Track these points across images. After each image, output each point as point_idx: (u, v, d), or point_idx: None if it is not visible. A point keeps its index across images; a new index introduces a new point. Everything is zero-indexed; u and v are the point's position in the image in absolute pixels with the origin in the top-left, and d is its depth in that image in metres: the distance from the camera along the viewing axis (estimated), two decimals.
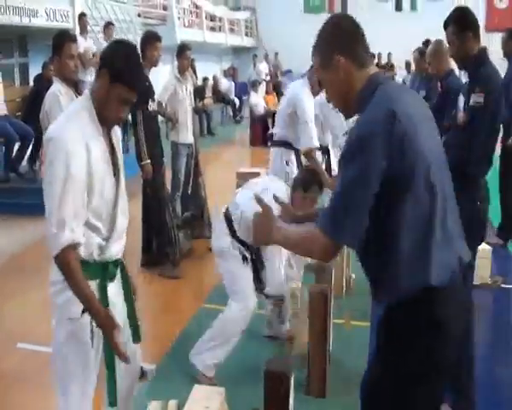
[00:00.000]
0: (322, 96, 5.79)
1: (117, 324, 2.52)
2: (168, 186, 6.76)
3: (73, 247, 2.45)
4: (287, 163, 5.87)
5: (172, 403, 3.65)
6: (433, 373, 2.16)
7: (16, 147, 9.09)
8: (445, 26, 3.80)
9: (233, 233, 4.11)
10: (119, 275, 2.77)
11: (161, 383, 3.98)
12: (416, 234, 2.09)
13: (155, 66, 6.37)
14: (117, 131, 2.75)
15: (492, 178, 4.49)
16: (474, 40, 3.73)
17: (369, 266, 2.25)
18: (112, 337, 2.50)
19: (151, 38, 6.33)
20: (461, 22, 3.72)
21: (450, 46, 3.83)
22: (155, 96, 6.52)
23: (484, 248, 6.03)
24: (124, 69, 2.52)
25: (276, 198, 2.69)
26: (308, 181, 4.13)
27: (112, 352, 2.60)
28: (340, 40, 2.21)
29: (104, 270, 2.64)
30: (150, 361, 4.30)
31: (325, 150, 6.73)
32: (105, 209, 2.58)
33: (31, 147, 9.20)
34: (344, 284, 5.49)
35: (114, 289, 2.72)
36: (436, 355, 2.13)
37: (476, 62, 3.73)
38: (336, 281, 4.77)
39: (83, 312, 2.55)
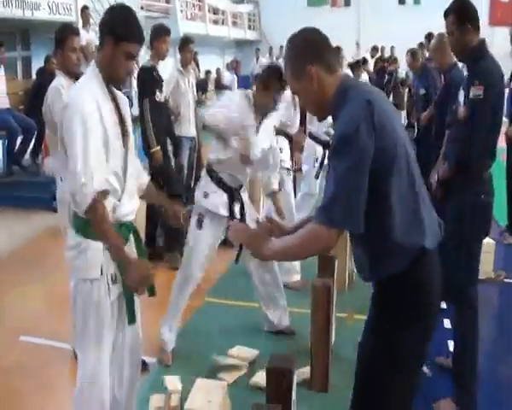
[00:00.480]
0: None
1: (149, 275, 2.68)
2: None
3: (103, 195, 2.60)
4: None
5: (175, 396, 3.66)
6: (423, 331, 2.40)
7: (19, 140, 9.07)
8: (445, 15, 3.80)
9: (216, 181, 4.25)
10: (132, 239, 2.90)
11: (164, 376, 3.97)
12: (407, 204, 2.27)
13: (163, 59, 6.54)
14: (123, 99, 2.89)
15: (498, 176, 4.48)
16: (474, 32, 3.72)
17: (366, 248, 2.37)
18: (136, 284, 2.66)
19: (160, 31, 6.54)
20: (461, 13, 3.72)
21: (449, 37, 3.84)
22: (163, 88, 6.52)
23: (488, 242, 6.01)
24: (125, 28, 2.70)
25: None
26: (268, 78, 4.25)
27: (131, 298, 2.83)
28: (310, 51, 2.35)
29: (118, 230, 2.74)
30: (153, 354, 4.31)
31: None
32: (116, 168, 2.72)
33: (33, 140, 9.18)
34: (347, 278, 5.48)
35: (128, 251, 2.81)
36: (427, 316, 2.39)
37: (475, 55, 3.73)
38: (339, 275, 4.76)
39: (101, 273, 2.72)
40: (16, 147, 9.12)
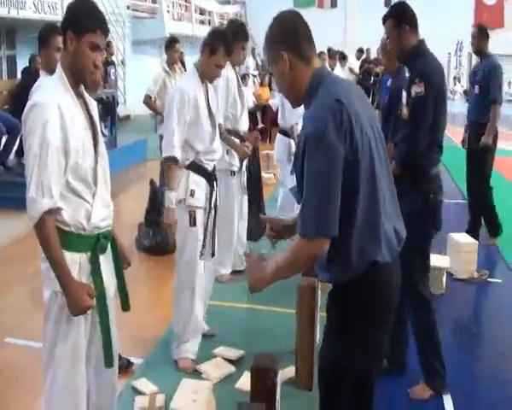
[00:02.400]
0: None
1: (88, 304, 2.57)
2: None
3: (52, 213, 2.50)
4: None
5: (160, 397, 3.67)
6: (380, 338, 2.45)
7: (3, 140, 9.03)
8: (384, 21, 3.90)
9: (198, 170, 4.15)
10: (109, 249, 2.81)
11: (149, 376, 3.98)
12: (368, 216, 2.27)
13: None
14: (93, 103, 2.80)
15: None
16: (412, 33, 3.81)
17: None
18: (76, 312, 2.56)
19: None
20: (398, 16, 3.80)
21: (388, 41, 3.93)
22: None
23: (470, 242, 6.09)
24: (85, 18, 2.58)
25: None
26: (214, 42, 4.11)
27: (105, 314, 2.70)
28: (285, 38, 2.39)
29: (95, 242, 2.68)
30: (139, 355, 4.31)
31: None
32: (87, 173, 2.63)
33: (18, 140, 9.14)
34: None
35: (104, 262, 2.76)
36: (381, 322, 2.43)
37: (415, 55, 3.81)
38: None
39: None
40: (1, 147, 9.07)
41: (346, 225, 2.22)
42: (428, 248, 3.93)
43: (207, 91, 4.21)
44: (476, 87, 6.70)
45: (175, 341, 4.23)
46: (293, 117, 6.97)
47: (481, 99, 6.57)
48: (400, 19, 3.79)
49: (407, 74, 3.96)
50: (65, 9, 2.74)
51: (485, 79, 6.57)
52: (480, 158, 6.66)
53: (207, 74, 4.16)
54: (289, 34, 2.40)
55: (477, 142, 6.62)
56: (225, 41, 4.13)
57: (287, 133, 6.65)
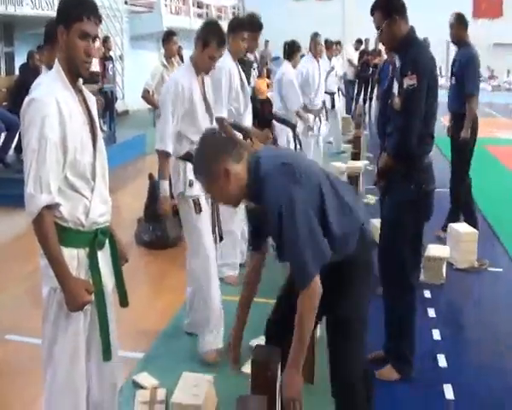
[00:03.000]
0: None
1: (86, 299, 2.57)
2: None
3: (50, 208, 2.49)
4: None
5: (161, 391, 3.67)
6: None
7: (2, 137, 9.02)
8: (372, 13, 3.86)
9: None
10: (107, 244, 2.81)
11: (150, 370, 3.98)
12: (338, 207, 2.70)
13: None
14: (92, 98, 2.79)
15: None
16: (402, 22, 3.78)
17: None
18: (74, 308, 2.56)
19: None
20: (387, 7, 3.76)
21: (379, 32, 3.86)
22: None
23: (470, 231, 6.08)
24: (71, 8, 2.56)
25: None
26: (208, 34, 4.08)
27: (103, 310, 2.70)
28: (223, 149, 2.64)
29: (93, 238, 2.68)
30: (139, 349, 4.32)
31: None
32: (85, 169, 2.62)
33: (17, 137, 9.14)
34: None
35: (102, 258, 2.75)
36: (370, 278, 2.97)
37: (406, 44, 3.78)
38: None
39: None
40: (0, 144, 9.07)
41: (329, 226, 2.65)
42: (420, 237, 3.95)
43: (203, 83, 4.21)
44: (453, 78, 6.58)
45: (200, 335, 4.22)
46: (295, 104, 7.08)
47: (458, 90, 6.44)
48: (389, 9, 3.74)
49: (397, 64, 3.92)
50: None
51: (460, 70, 6.45)
52: (460, 149, 6.57)
53: (201, 66, 4.15)
54: (219, 146, 2.64)
55: (457, 132, 6.49)
56: (218, 33, 4.11)
57: (285, 121, 6.74)
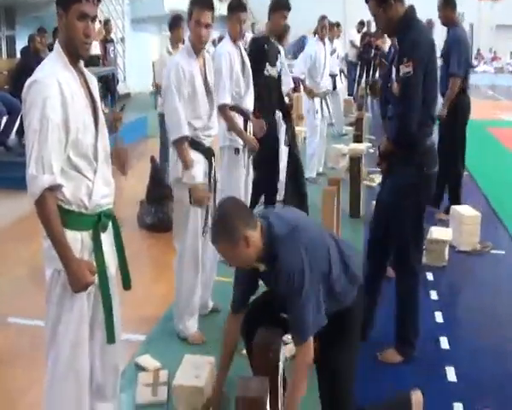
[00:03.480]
0: None
1: (90, 280, 2.59)
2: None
3: (53, 189, 2.49)
4: None
5: (163, 373, 3.68)
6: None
7: (4, 120, 9.00)
8: (366, 0, 3.80)
9: (196, 146, 4.10)
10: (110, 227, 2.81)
11: (152, 353, 3.99)
12: (341, 274, 2.92)
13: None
14: (93, 80, 2.79)
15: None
16: (398, 4, 3.71)
17: None
18: (77, 288, 2.57)
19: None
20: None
21: (375, 19, 3.84)
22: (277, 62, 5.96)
23: (472, 214, 6.07)
24: None
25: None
26: (199, 9, 3.98)
27: (107, 292, 2.73)
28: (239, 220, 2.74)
29: (97, 221, 2.69)
30: (141, 331, 4.33)
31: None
32: (87, 150, 2.62)
33: (19, 120, 9.12)
34: None
35: (106, 240, 2.76)
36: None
37: (403, 26, 3.73)
38: None
39: None
40: (1, 127, 9.05)
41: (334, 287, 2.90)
42: (422, 220, 3.94)
43: (204, 65, 4.14)
44: (441, 59, 6.49)
45: (179, 319, 4.23)
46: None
47: (444, 71, 6.41)
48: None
49: (396, 47, 3.89)
50: None
51: (447, 52, 6.45)
52: (448, 130, 6.54)
53: (195, 41, 4.04)
54: (244, 213, 2.79)
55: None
56: (209, 8, 4.01)
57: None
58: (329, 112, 9.52)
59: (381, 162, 4.07)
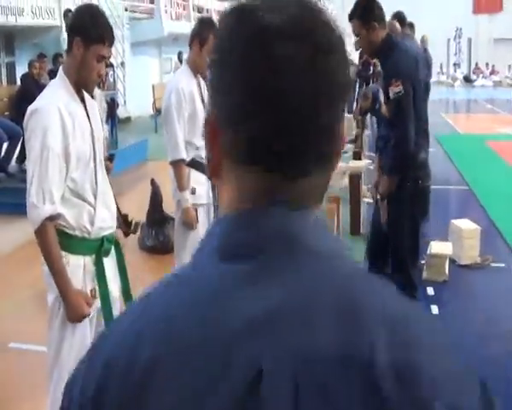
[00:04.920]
0: None
1: (87, 311, 2.60)
2: None
3: (53, 218, 2.52)
4: None
5: None
6: None
7: (5, 147, 9.06)
8: (350, 19, 3.89)
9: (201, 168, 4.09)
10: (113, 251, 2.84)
11: None
12: None
13: None
14: (94, 106, 2.82)
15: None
16: (381, 28, 3.83)
17: None
18: (74, 319, 2.58)
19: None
20: (365, 15, 3.78)
21: (358, 39, 3.93)
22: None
23: (472, 228, 6.08)
24: (95, 29, 2.60)
25: None
26: (207, 32, 3.95)
27: (110, 317, 2.71)
28: None
29: (100, 246, 2.71)
30: None
31: None
32: (87, 177, 2.65)
33: (19, 146, 9.18)
34: None
35: (108, 264, 2.78)
36: None
37: (385, 48, 3.84)
38: None
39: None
40: (2, 153, 9.11)
41: None
42: (417, 232, 4.08)
43: (200, 85, 4.18)
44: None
45: None
46: None
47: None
48: (368, 17, 3.76)
49: (379, 68, 4.03)
50: (73, 14, 2.81)
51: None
52: None
53: (200, 66, 4.06)
54: None
55: None
56: (214, 27, 4.08)
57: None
58: None
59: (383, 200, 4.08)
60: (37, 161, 2.49)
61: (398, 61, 3.77)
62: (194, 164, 4.10)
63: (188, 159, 4.07)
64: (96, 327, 2.79)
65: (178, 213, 4.17)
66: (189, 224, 4.07)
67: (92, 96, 2.83)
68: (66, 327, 2.65)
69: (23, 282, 5.73)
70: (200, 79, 4.21)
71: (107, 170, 2.97)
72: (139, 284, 4.73)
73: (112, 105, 11.40)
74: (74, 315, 2.58)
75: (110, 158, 3.22)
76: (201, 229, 4.12)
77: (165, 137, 4.10)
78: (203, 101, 4.14)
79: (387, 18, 6.27)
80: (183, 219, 4.07)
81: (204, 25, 4.08)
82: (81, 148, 2.60)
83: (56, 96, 2.59)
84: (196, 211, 4.10)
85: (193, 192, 4.08)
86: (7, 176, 9.13)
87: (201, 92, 4.16)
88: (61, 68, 2.71)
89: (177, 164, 4.02)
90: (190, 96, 4.03)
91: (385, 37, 3.83)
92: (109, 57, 2.74)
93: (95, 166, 2.69)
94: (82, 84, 2.67)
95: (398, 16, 6.31)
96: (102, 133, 2.86)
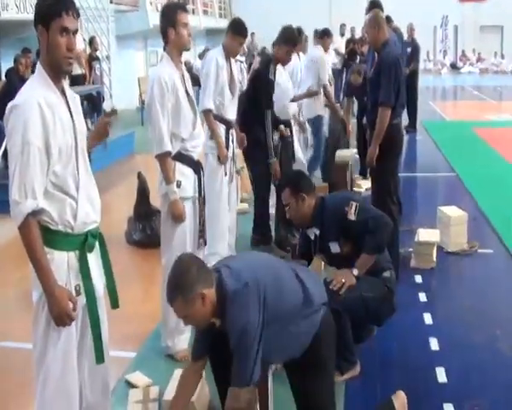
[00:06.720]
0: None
1: (70, 310, 2.57)
2: None
3: (35, 214, 2.50)
4: None
5: (153, 390, 3.68)
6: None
7: None
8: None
9: (187, 161, 4.11)
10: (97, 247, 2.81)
11: (142, 369, 3.98)
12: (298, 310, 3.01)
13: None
14: (76, 99, 2.78)
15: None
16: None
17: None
18: (56, 315, 2.55)
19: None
20: (296, 186, 3.89)
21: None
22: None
23: (459, 214, 6.10)
24: (49, 5, 2.54)
25: None
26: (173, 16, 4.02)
27: (95, 312, 2.72)
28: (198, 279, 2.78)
29: (83, 241, 2.68)
30: (131, 349, 4.33)
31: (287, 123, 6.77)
32: (70, 169, 2.62)
33: (4, 143, 9.10)
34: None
35: (93, 259, 2.76)
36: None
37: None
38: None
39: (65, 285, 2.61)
40: None
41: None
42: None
43: (183, 75, 4.13)
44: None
45: (167, 337, 4.19)
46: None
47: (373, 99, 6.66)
48: (298, 188, 3.87)
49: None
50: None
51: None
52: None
53: (180, 45, 4.05)
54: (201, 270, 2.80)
55: None
56: (175, 11, 4.03)
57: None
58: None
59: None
60: (19, 156, 2.46)
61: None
62: (180, 157, 4.08)
63: (173, 151, 4.05)
64: (82, 324, 2.77)
65: (165, 206, 4.13)
66: (178, 216, 4.03)
67: (70, 77, 2.74)
68: (51, 324, 2.63)
69: (10, 280, 5.71)
70: (184, 69, 4.18)
71: (106, 123, 2.95)
72: (125, 278, 4.73)
73: (97, 98, 11.32)
74: (58, 313, 2.55)
75: (111, 113, 3.17)
76: (188, 222, 4.11)
77: (150, 130, 4.07)
78: (187, 91, 4.12)
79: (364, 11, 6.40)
80: (170, 212, 4.04)
81: (171, 9, 4.09)
82: (62, 141, 2.57)
83: (36, 91, 2.55)
84: (183, 205, 4.06)
85: (178, 185, 4.05)
86: None
87: (184, 82, 4.13)
88: (38, 62, 2.66)
89: (163, 157, 3.99)
90: (173, 86, 3.99)
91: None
92: (76, 29, 2.61)
93: (76, 160, 2.66)
94: (55, 67, 2.59)
95: (379, 8, 6.21)
96: (84, 126, 2.83)
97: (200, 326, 2.92)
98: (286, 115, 6.66)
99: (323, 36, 8.75)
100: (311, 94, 7.81)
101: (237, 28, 5.38)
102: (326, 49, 8.61)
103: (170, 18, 4.01)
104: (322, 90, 8.07)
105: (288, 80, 6.93)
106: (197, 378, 3.11)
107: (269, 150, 5.85)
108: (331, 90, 8.50)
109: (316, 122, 8.25)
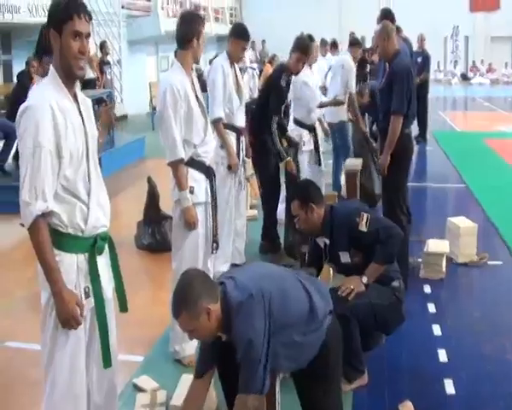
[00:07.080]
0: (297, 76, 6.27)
1: (76, 313, 2.57)
2: None
3: (45, 216, 2.51)
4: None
5: (161, 394, 3.68)
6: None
7: (1, 145, 9.03)
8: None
9: (199, 166, 4.12)
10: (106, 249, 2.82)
11: (150, 373, 3.98)
12: (302, 316, 2.96)
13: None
14: (87, 103, 2.79)
15: None
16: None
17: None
18: (63, 317, 2.56)
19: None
20: (305, 197, 3.88)
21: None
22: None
23: (469, 225, 6.07)
24: (60, 10, 2.55)
25: None
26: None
27: (103, 316, 2.72)
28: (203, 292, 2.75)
29: (93, 244, 2.69)
30: (139, 352, 4.33)
31: (311, 128, 6.85)
32: (80, 172, 2.63)
33: (15, 144, 9.15)
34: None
35: (102, 263, 2.76)
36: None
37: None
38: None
39: (74, 288, 2.62)
40: None
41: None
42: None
43: (193, 81, 4.14)
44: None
45: (175, 342, 4.18)
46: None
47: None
48: (306, 199, 3.86)
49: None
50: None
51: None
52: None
53: (197, 55, 4.11)
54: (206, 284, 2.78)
55: None
56: (201, 23, 4.11)
57: (301, 123, 6.85)
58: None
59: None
60: (30, 158, 2.47)
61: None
62: (192, 163, 4.09)
63: (186, 158, 4.06)
64: (90, 327, 2.78)
65: (177, 212, 4.13)
66: (190, 223, 4.04)
67: (83, 81, 2.76)
68: (59, 328, 2.63)
69: (19, 280, 5.71)
70: (194, 75, 4.20)
71: (107, 116, 2.96)
72: (135, 282, 4.74)
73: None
74: (64, 315, 2.56)
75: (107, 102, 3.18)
76: (200, 228, 4.12)
77: (162, 137, 4.07)
78: (197, 97, 4.13)
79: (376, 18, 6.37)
80: (183, 218, 4.04)
81: (192, 24, 4.11)
82: (73, 146, 2.58)
83: (48, 94, 2.56)
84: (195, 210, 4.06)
85: (191, 191, 4.05)
86: (3, 174, 9.11)
87: (195, 88, 4.14)
88: (51, 66, 2.66)
89: (176, 164, 4.00)
90: (185, 94, 4.00)
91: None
92: (88, 33, 2.62)
93: (88, 164, 2.67)
94: (68, 70, 2.60)
95: (391, 17, 6.21)
96: (96, 131, 2.83)
97: (206, 340, 2.91)
98: (311, 120, 6.73)
99: (354, 44, 8.82)
100: (337, 103, 7.89)
101: (238, 32, 5.40)
102: (355, 58, 8.58)
103: (196, 28, 4.05)
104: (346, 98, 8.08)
105: (317, 85, 7.01)
106: (205, 391, 3.07)
107: (280, 153, 5.85)
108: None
109: (339, 127, 8.29)
